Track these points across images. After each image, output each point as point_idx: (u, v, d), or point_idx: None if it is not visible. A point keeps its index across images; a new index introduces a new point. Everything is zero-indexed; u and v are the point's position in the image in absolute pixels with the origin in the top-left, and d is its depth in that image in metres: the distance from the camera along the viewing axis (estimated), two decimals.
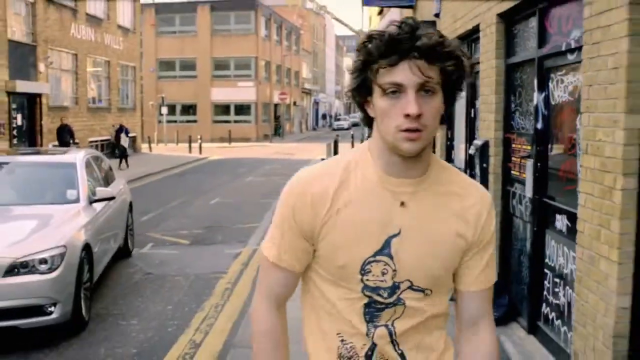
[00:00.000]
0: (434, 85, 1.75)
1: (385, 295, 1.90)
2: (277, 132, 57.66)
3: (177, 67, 53.76)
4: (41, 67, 24.79)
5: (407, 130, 1.75)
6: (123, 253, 9.87)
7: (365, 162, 1.91)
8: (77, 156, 8.94)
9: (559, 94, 5.30)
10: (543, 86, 5.64)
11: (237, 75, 53.48)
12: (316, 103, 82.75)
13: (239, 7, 53.59)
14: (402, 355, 1.95)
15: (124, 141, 27.70)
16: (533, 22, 5.92)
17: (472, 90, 8.10)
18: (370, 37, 1.78)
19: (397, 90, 1.75)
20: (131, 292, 8.27)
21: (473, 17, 7.69)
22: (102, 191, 8.37)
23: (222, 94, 52.70)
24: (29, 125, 24.36)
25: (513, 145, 6.63)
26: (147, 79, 49.24)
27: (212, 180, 22.36)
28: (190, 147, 37.70)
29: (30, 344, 6.31)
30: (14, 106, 22.88)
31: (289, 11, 65.08)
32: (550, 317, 5.54)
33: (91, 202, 8.09)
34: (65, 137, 24.51)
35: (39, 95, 24.45)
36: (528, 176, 5.91)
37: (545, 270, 5.63)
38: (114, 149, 30.84)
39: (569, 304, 5.03)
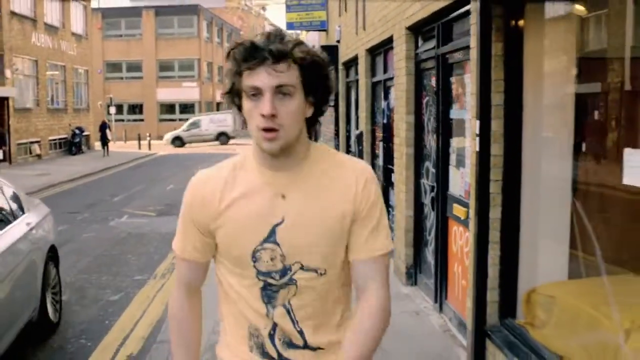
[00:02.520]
0: (289, 88, 1.86)
1: (277, 277, 2.02)
2: None
3: (124, 68, 56.00)
4: (7, 73, 27.65)
5: (264, 129, 1.87)
6: (38, 327, 6.41)
7: (248, 162, 2.05)
8: None
9: (391, 101, 8.98)
10: (387, 96, 9.31)
11: (181, 76, 56.07)
12: None
13: (181, 12, 56.27)
14: (300, 332, 2.07)
15: (109, 135, 34.02)
16: (381, 58, 9.60)
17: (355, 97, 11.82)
18: (237, 44, 1.91)
19: (256, 92, 1.86)
20: (120, 243, 11.66)
21: (355, 48, 11.39)
22: None
23: (168, 93, 55.29)
24: None
25: (376, 134, 10.32)
26: (94, 80, 51.67)
27: (164, 171, 25.57)
28: (139, 144, 40.67)
29: None
30: None
31: (230, 13, 67.86)
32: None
33: None
34: None
35: (7, 99, 27.35)
36: (380, 153, 9.59)
37: (389, 209, 9.28)
38: (71, 146, 34.08)
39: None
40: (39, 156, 30.61)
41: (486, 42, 4.66)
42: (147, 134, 41.59)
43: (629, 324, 3.66)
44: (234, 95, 1.97)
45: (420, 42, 7.30)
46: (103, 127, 34.72)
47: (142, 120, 54.92)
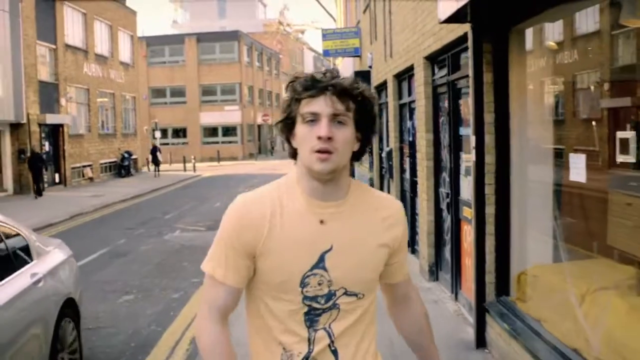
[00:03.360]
0: (344, 118, 2.02)
1: (323, 302, 2.11)
2: (270, 150, 62.60)
3: (168, 94, 57.93)
4: (62, 101, 29.50)
5: (319, 151, 2.00)
6: None
7: (293, 189, 2.14)
8: None
9: (415, 121, 10.13)
10: (412, 117, 10.47)
11: (223, 100, 57.74)
12: None
13: (223, 38, 58.42)
14: (335, 352, 2.14)
15: (160, 157, 37.23)
16: (406, 83, 10.79)
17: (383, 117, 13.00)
18: (296, 77, 2.08)
19: (314, 119, 2.01)
20: (175, 253, 12.95)
21: (384, 73, 12.60)
22: None
23: (210, 117, 57.11)
24: (54, 151, 29.02)
25: (403, 150, 11.47)
26: (140, 106, 53.62)
27: (210, 191, 26.95)
28: (184, 166, 42.34)
29: None
30: (43, 135, 27.58)
31: (269, 38, 69.55)
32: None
33: None
34: (37, 165, 24.56)
35: (62, 126, 29.16)
36: (407, 167, 10.75)
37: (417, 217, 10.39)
38: (120, 169, 35.86)
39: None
40: (91, 179, 32.33)
41: (479, 73, 5.84)
42: (192, 157, 43.31)
43: (585, 290, 4.75)
44: (289, 124, 2.11)
45: (436, 70, 8.47)
46: (154, 150, 37.90)
47: (186, 143, 56.70)
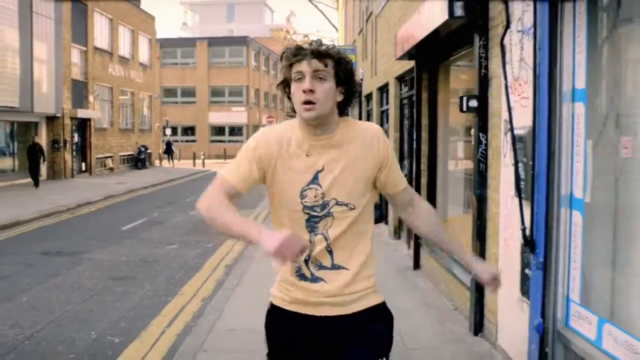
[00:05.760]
0: (324, 73, 2.54)
1: (319, 210, 2.63)
2: None
3: (179, 94, 60.97)
4: (90, 98, 32.91)
5: (304, 102, 2.54)
6: None
7: (295, 129, 2.69)
8: None
9: (389, 124, 13.46)
10: (387, 120, 13.80)
11: (231, 101, 60.80)
12: None
13: (232, 43, 61.68)
14: (330, 253, 2.67)
15: (174, 149, 43.42)
16: (385, 95, 14.15)
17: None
18: (287, 49, 2.64)
19: (301, 77, 2.55)
20: (202, 224, 16.21)
21: (371, 86, 15.97)
22: None
23: (218, 117, 60.31)
24: (82, 143, 32.43)
25: None
26: (154, 104, 56.74)
27: None
28: (194, 162, 45.73)
29: None
30: (73, 128, 30.99)
31: (276, 43, 71.84)
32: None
33: None
34: (36, 156, 25.45)
35: (89, 120, 32.59)
36: None
37: None
38: (137, 162, 39.27)
39: None
40: (111, 169, 35.69)
41: (419, 91, 9.21)
42: (202, 153, 46.80)
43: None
44: (285, 84, 2.66)
45: (402, 87, 11.83)
46: (169, 144, 44.33)
47: (194, 141, 59.85)
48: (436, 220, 2.89)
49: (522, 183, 4.79)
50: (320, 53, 2.56)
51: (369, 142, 2.67)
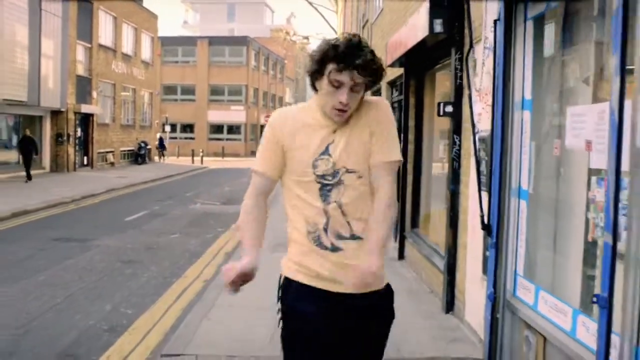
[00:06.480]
0: (360, 87, 2.70)
1: (330, 178, 2.78)
2: None
3: (179, 91, 61.65)
4: (94, 94, 33.73)
5: (339, 110, 2.71)
6: None
7: (311, 110, 2.86)
8: None
9: None
10: None
11: (230, 99, 61.53)
12: None
13: (232, 43, 62.45)
14: (349, 224, 2.79)
15: (165, 143, 44.64)
16: None
17: None
18: (328, 43, 2.69)
19: (338, 86, 2.67)
20: (201, 216, 17.09)
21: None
22: None
23: (217, 115, 61.00)
24: (84, 137, 33.25)
25: None
26: (154, 101, 57.41)
27: (219, 179, 31.01)
28: (193, 159, 46.49)
29: None
30: (77, 122, 31.81)
31: (276, 44, 72.40)
32: None
33: None
34: (28, 148, 25.70)
35: (92, 115, 33.39)
36: None
37: None
38: (137, 157, 40.07)
39: None
40: (112, 164, 36.49)
41: (407, 96, 10.05)
42: (200, 150, 47.61)
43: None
44: (316, 74, 2.75)
45: (394, 92, 12.66)
46: (161, 140, 46.86)
47: (193, 138, 60.45)
48: (381, 209, 2.77)
49: (483, 177, 5.65)
50: (364, 68, 2.67)
51: (371, 112, 2.83)
